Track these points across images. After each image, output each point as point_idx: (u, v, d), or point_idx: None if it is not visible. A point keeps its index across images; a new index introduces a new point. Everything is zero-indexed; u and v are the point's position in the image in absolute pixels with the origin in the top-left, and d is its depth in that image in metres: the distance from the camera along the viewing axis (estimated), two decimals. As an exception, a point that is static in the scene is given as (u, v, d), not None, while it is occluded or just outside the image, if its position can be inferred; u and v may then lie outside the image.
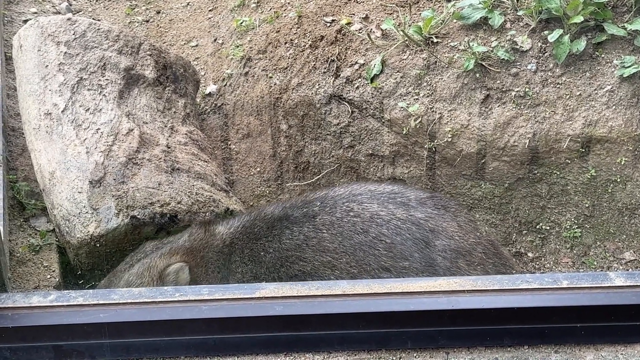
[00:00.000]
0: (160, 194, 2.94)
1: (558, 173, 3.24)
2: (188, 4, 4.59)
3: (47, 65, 3.26)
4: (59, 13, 4.55)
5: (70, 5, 4.74)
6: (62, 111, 3.12)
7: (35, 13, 4.49)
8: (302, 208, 2.76)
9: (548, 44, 3.27)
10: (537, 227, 3.31)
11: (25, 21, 4.19)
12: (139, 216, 2.84)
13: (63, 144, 3.04)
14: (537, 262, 3.29)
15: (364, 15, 3.64)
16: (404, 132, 3.33)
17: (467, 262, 2.65)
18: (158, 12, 4.62)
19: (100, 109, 3.15)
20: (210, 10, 4.41)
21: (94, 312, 2.15)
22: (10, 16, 4.43)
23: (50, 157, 3.03)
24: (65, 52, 3.30)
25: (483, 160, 3.28)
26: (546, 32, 3.28)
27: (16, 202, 3.20)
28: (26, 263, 2.95)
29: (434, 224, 2.67)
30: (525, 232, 3.33)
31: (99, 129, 3.08)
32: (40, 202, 3.16)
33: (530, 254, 3.32)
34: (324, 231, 2.67)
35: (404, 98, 3.33)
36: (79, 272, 2.95)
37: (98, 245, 2.84)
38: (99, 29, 3.43)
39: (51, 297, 2.20)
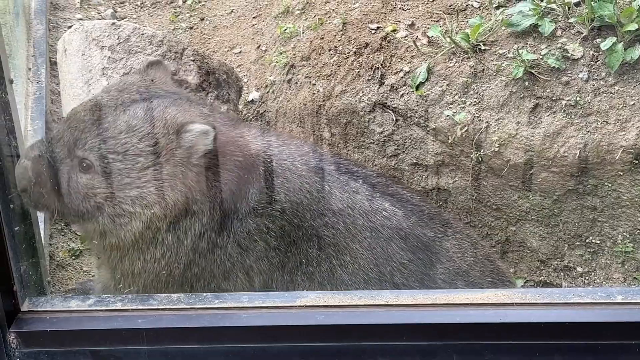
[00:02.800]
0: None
1: (610, 185, 3.14)
2: (232, 11, 4.58)
3: (91, 70, 3.26)
4: (104, 19, 4.57)
5: (115, 12, 4.76)
6: (105, 116, 3.12)
7: (81, 19, 4.51)
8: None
9: (600, 52, 3.18)
10: (587, 240, 3.21)
11: (71, 27, 4.21)
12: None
13: (105, 149, 3.03)
14: (587, 277, 3.20)
15: (410, 23, 3.59)
16: (450, 141, 3.26)
17: (465, 282, 2.57)
18: (202, 19, 4.62)
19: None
20: (254, 18, 4.39)
21: (132, 318, 2.12)
22: (56, 22, 4.46)
23: (92, 162, 3.02)
24: (109, 57, 3.30)
25: (531, 171, 3.20)
26: (598, 40, 3.20)
27: (57, 206, 3.20)
28: (66, 267, 2.95)
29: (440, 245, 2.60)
30: (574, 245, 3.23)
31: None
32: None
33: (579, 269, 3.23)
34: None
35: (450, 106, 3.27)
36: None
37: None
38: (142, 34, 3.43)
39: (90, 301, 2.17)
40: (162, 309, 2.13)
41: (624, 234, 3.17)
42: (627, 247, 3.15)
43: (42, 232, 2.80)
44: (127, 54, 3.35)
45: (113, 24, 3.48)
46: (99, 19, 4.62)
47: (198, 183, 2.38)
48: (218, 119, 2.52)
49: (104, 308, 2.15)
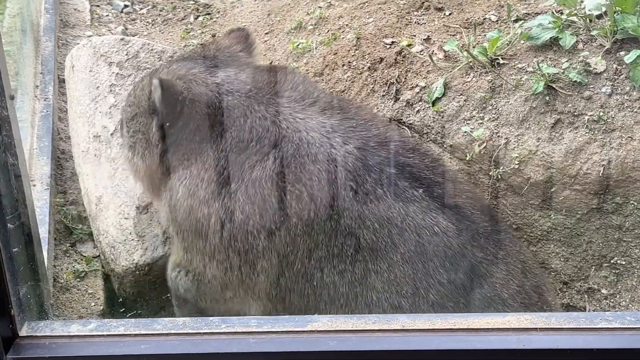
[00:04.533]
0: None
1: (635, 204, 3.05)
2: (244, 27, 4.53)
3: (99, 87, 3.22)
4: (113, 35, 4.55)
5: (127, 29, 4.73)
6: (112, 134, 3.07)
7: (91, 36, 4.48)
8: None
9: (624, 66, 3.10)
10: (612, 261, 3.11)
11: (80, 44, 4.19)
12: (186, 244, 2.75)
13: (111, 167, 2.99)
14: (612, 300, 3.09)
15: (426, 37, 3.53)
16: (467, 158, 3.18)
17: (500, 312, 2.39)
18: (213, 36, 4.57)
19: (151, 132, 3.09)
20: (266, 34, 4.35)
21: (135, 343, 2.04)
22: (66, 39, 4.44)
23: (98, 181, 2.98)
24: (117, 73, 3.25)
25: (553, 189, 3.10)
26: (622, 53, 3.11)
27: (63, 226, 3.15)
28: (70, 290, 2.89)
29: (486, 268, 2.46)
30: (598, 267, 3.13)
31: (149, 151, 3.01)
32: (88, 227, 3.11)
33: (604, 291, 3.12)
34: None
35: (468, 122, 3.19)
36: (125, 301, 2.87)
37: (143, 274, 2.76)
38: (152, 50, 3.38)
39: (91, 325, 2.10)
40: (166, 334, 2.05)
41: (651, 254, 3.07)
42: (655, 268, 3.06)
43: (45, 253, 2.74)
44: (135, 70, 3.29)
45: (122, 39, 3.44)
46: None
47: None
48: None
49: (105, 333, 2.07)
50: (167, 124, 2.49)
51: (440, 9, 3.74)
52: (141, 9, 4.97)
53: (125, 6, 4.97)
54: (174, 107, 2.46)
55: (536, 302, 2.52)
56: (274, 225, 2.37)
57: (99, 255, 2.97)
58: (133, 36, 4.66)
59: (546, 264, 3.19)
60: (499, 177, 3.15)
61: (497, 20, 3.51)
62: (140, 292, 2.81)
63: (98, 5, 4.95)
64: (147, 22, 4.86)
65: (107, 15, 4.88)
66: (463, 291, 2.41)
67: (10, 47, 3.88)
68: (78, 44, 4.26)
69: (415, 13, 3.74)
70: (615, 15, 3.15)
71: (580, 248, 3.14)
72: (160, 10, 4.91)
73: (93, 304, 2.84)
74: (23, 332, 2.06)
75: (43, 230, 2.91)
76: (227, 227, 2.39)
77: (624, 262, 3.10)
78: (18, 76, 3.76)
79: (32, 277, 2.26)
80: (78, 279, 2.92)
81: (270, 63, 3.70)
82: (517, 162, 3.11)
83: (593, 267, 3.14)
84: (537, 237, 3.18)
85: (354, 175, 2.41)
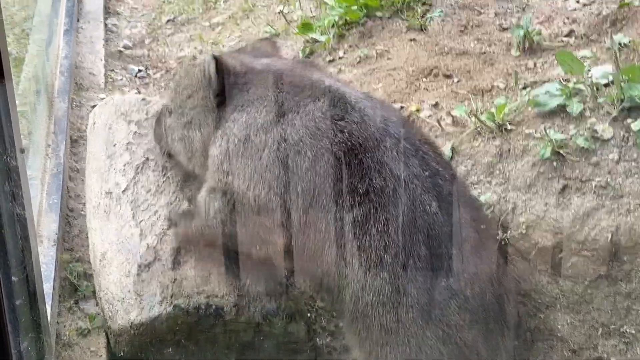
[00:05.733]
0: (209, 285, 2.84)
1: (644, 271, 3.01)
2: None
3: (116, 144, 3.25)
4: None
5: (139, 93, 4.80)
6: (123, 191, 3.09)
7: (103, 99, 4.55)
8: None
9: (631, 133, 3.10)
10: (621, 330, 3.06)
11: (94, 106, 4.24)
12: (181, 305, 2.75)
13: (119, 224, 2.99)
14: (622, 368, 3.04)
15: (434, 103, 3.55)
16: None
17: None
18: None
19: (162, 191, 3.11)
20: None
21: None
22: (79, 101, 4.51)
23: (105, 237, 2.98)
24: (135, 132, 3.28)
25: (561, 255, 3.08)
26: (629, 121, 3.12)
27: (68, 283, 3.14)
28: (73, 347, 2.87)
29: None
30: (607, 335, 3.07)
31: (157, 211, 3.03)
32: (92, 284, 3.09)
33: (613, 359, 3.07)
34: None
35: (476, 186, 3.18)
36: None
37: (138, 333, 2.74)
38: (172, 111, 3.41)
39: (89, 381, 2.08)
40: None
41: (660, 322, 3.02)
42: (664, 336, 3.00)
43: (49, 309, 2.73)
44: (153, 130, 3.33)
45: (143, 99, 3.48)
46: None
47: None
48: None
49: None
50: (221, 91, 2.83)
51: (448, 76, 3.77)
52: (155, 73, 5.05)
53: (139, 70, 5.06)
54: (226, 75, 2.82)
55: (497, 310, 2.73)
56: (319, 152, 2.66)
57: (100, 313, 2.95)
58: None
59: (554, 332, 3.13)
60: (507, 241, 3.12)
61: (504, 88, 3.54)
62: (135, 352, 2.77)
63: (112, 70, 5.04)
64: (161, 86, 4.93)
65: (121, 80, 4.96)
66: (432, 273, 2.61)
67: (24, 107, 3.95)
68: (92, 106, 4.33)
69: (424, 80, 3.77)
70: (622, 83, 3.18)
71: (588, 315, 3.09)
72: (174, 75, 4.99)
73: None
74: (22, 385, 2.05)
75: (48, 286, 2.91)
76: (281, 147, 2.68)
77: (633, 331, 3.04)
78: (31, 135, 3.81)
79: (34, 330, 2.25)
80: (81, 336, 2.90)
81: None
82: (524, 227, 3.10)
83: (602, 335, 3.08)
84: (545, 304, 3.13)
85: (381, 132, 2.72)
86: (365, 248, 2.59)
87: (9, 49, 4.03)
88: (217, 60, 2.81)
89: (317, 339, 2.99)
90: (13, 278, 2.14)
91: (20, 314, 2.14)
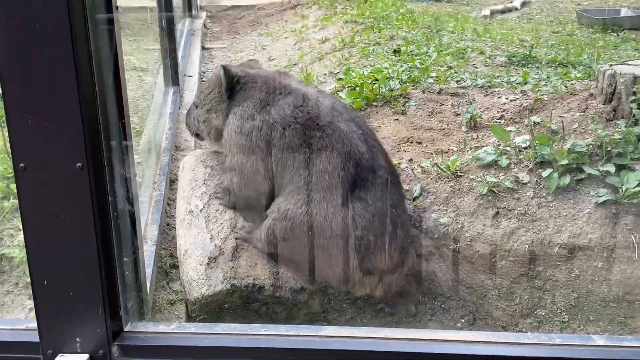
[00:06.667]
0: (255, 271, 2.80)
1: (551, 272, 2.95)
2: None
3: (196, 180, 3.26)
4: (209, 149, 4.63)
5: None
6: (200, 210, 3.08)
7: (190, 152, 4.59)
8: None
9: (542, 179, 3.08)
10: (535, 312, 2.99)
11: (184, 157, 4.28)
12: (236, 284, 2.72)
13: (196, 231, 2.98)
14: (536, 339, 2.93)
15: (410, 158, 3.55)
16: (436, 237, 3.13)
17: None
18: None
19: (225, 211, 3.10)
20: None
21: (201, 338, 1.98)
22: (177, 157, 4.54)
23: (187, 240, 2.97)
24: (209, 173, 3.29)
25: (494, 259, 3.03)
26: (540, 171, 3.11)
27: (163, 270, 3.13)
28: (163, 312, 2.84)
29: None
30: (526, 316, 3.00)
31: (222, 223, 3.01)
32: (177, 272, 3.07)
33: (529, 334, 2.97)
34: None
35: (437, 213, 3.16)
36: (196, 321, 2.80)
37: (206, 303, 2.71)
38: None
39: (172, 326, 2.05)
40: (222, 333, 2.00)
41: (561, 308, 2.93)
42: (564, 318, 2.91)
43: (148, 285, 2.71)
44: (221, 172, 3.35)
45: (215, 151, 3.51)
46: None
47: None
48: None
49: (182, 331, 2.02)
50: (229, 89, 2.92)
51: (419, 143, 3.78)
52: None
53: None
54: (230, 79, 2.91)
55: (391, 220, 2.75)
56: (286, 126, 2.74)
57: (182, 290, 2.93)
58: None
59: (489, 314, 3.06)
60: (457, 250, 3.09)
61: (457, 150, 3.54)
62: (204, 316, 2.74)
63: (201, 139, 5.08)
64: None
65: (205, 145, 4.99)
66: (354, 184, 2.67)
67: (141, 159, 3.99)
68: (184, 156, 4.37)
69: (404, 145, 3.78)
70: (535, 147, 3.17)
71: (513, 302, 3.02)
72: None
73: (177, 322, 2.77)
74: (126, 328, 2.02)
75: (149, 271, 2.90)
76: (263, 129, 2.76)
77: (543, 313, 2.97)
78: (144, 177, 3.85)
79: (137, 295, 2.23)
80: (169, 305, 2.87)
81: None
82: (469, 240, 3.06)
83: (522, 316, 3.00)
84: (483, 294, 3.07)
85: (330, 109, 2.79)
86: (319, 168, 2.68)
87: (133, 125, 4.11)
88: (225, 68, 2.91)
89: (328, 315, 2.94)
90: (125, 258, 2.12)
91: (128, 282, 2.12)
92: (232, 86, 2.91)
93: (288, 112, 2.75)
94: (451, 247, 3.10)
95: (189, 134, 3.37)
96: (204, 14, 9.92)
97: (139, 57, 5.74)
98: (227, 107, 2.92)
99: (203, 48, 7.36)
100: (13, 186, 3.17)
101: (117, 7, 1.90)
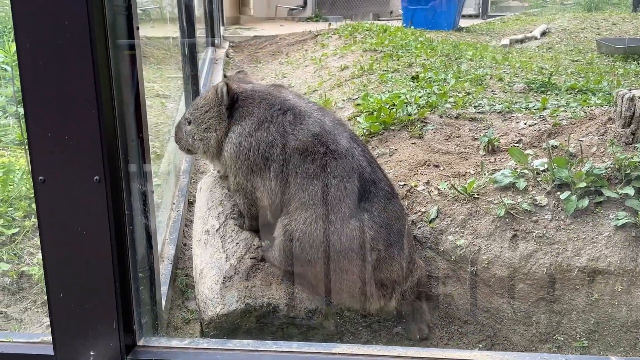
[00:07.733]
0: (270, 291, 2.79)
1: (569, 295, 2.88)
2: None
3: (213, 201, 3.28)
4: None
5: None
6: (217, 230, 3.09)
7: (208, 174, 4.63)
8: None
9: (560, 202, 3.04)
10: (554, 337, 2.91)
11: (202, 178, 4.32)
12: (251, 303, 2.71)
13: (212, 250, 2.99)
14: (555, 365, 2.86)
15: (427, 181, 3.53)
16: (452, 259, 3.09)
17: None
18: (225, 75, 4.66)
19: (241, 231, 3.10)
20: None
21: (213, 354, 1.97)
22: (195, 178, 4.59)
23: (203, 259, 2.97)
24: (226, 193, 3.32)
25: (512, 283, 2.97)
26: (558, 193, 3.07)
27: (178, 289, 3.13)
28: (178, 330, 2.83)
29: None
30: (544, 341, 2.92)
31: (238, 243, 3.02)
32: (193, 291, 3.07)
33: (545, 354, 2.89)
34: None
35: (453, 235, 3.12)
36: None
37: (221, 322, 2.70)
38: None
39: (185, 341, 2.05)
40: (234, 349, 1.98)
41: (581, 333, 2.85)
42: (583, 343, 2.83)
43: (163, 303, 2.71)
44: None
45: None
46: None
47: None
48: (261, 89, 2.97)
49: (194, 346, 2.01)
50: (229, 107, 2.88)
51: (437, 166, 3.76)
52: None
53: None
54: (231, 96, 2.88)
55: (396, 231, 2.74)
56: (284, 144, 2.71)
57: (197, 309, 2.92)
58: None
59: (507, 338, 2.99)
60: (474, 273, 3.04)
61: (474, 173, 3.52)
62: (218, 334, 2.72)
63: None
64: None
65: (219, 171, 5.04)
66: (359, 196, 2.67)
67: (160, 181, 4.05)
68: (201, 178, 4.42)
69: (421, 168, 3.76)
70: (553, 169, 3.14)
71: (531, 326, 2.95)
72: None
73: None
74: (140, 342, 2.02)
75: (164, 289, 2.90)
76: (261, 146, 2.74)
77: (562, 338, 2.89)
78: (163, 198, 3.89)
79: (151, 311, 2.23)
80: (184, 323, 2.86)
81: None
82: (486, 263, 3.02)
83: (540, 341, 2.93)
84: (501, 318, 3.01)
85: (330, 126, 2.78)
86: (325, 183, 2.66)
87: (154, 149, 4.17)
88: (227, 85, 2.88)
89: (343, 337, 2.90)
90: (140, 274, 2.13)
91: (142, 297, 2.13)
92: (232, 104, 2.89)
93: (289, 130, 2.74)
94: (468, 269, 3.05)
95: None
96: (226, 44, 10.12)
97: (162, 84, 5.85)
98: (227, 126, 2.88)
99: (225, 76, 7.49)
100: (34, 206, 3.22)
101: (137, 27, 1.95)
